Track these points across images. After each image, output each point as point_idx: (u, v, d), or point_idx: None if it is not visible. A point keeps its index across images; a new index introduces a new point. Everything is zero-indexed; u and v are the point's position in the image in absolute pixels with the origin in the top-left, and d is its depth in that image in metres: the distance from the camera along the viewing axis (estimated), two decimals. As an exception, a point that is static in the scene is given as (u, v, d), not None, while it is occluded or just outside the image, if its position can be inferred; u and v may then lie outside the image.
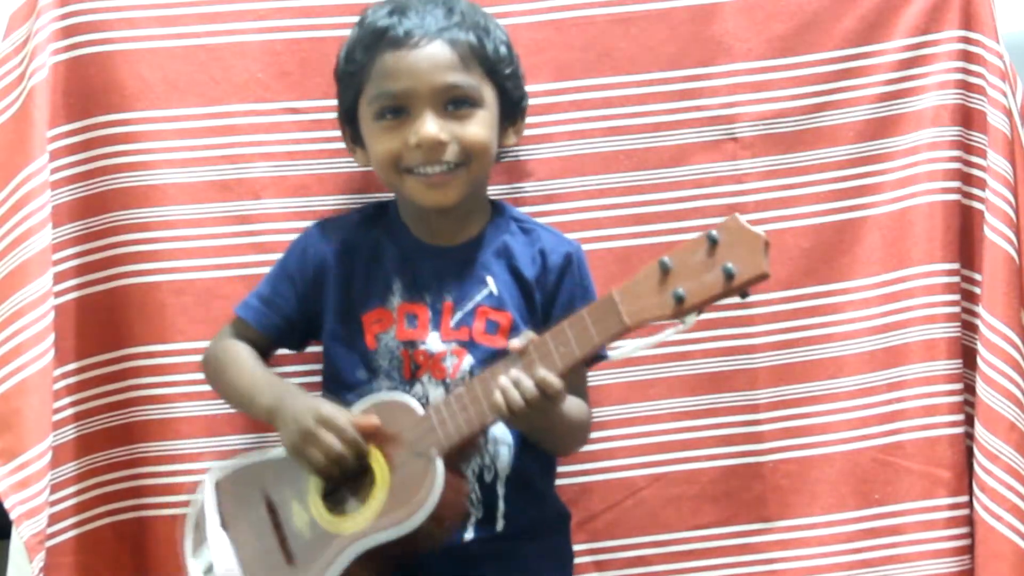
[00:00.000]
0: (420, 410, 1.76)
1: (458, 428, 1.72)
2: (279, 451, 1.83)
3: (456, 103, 1.84)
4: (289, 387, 1.88)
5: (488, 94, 1.87)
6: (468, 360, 1.85)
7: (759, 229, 1.59)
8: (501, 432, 1.85)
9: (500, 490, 1.85)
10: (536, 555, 1.88)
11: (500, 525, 1.85)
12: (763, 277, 1.59)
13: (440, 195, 1.85)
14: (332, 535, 1.75)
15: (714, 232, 1.60)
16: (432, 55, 1.83)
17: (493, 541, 1.84)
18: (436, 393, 1.85)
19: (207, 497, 1.86)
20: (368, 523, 1.73)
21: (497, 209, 1.95)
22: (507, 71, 1.89)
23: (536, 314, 1.87)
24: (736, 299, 1.63)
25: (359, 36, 1.89)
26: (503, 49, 1.89)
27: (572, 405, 1.83)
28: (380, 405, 1.79)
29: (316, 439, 1.76)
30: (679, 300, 1.61)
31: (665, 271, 1.62)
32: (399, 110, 1.84)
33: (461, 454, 1.76)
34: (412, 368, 1.86)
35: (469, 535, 1.84)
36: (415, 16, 1.84)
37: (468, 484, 1.80)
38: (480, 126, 1.85)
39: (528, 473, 1.87)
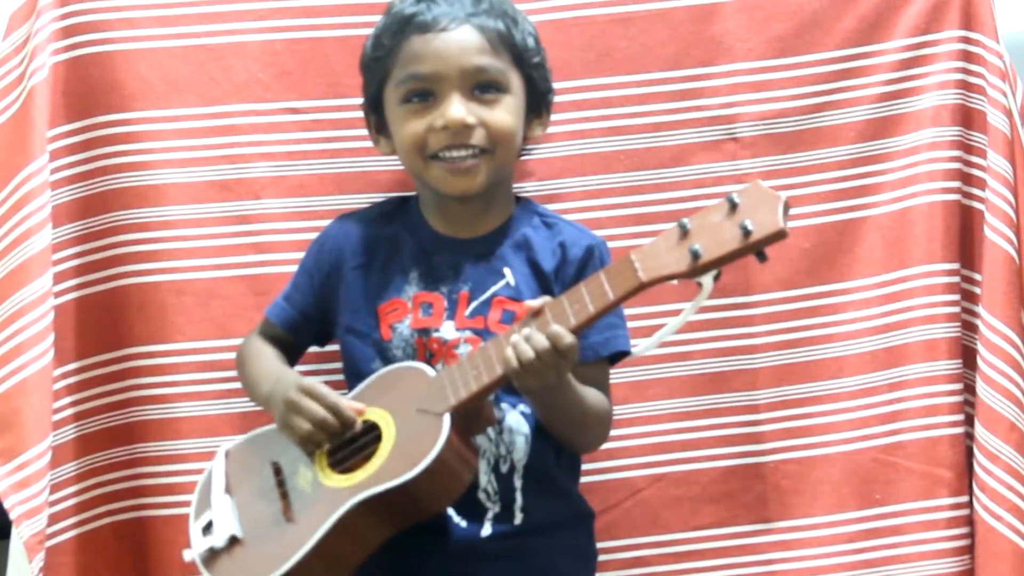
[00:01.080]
0: (432, 373, 1.77)
1: (467, 385, 1.72)
2: None
3: (483, 87, 1.84)
4: (287, 373, 1.89)
5: (515, 81, 1.86)
6: (486, 345, 1.81)
7: (779, 192, 1.58)
8: (516, 422, 1.84)
9: (517, 482, 1.84)
10: (556, 551, 1.87)
11: (518, 519, 1.84)
12: (780, 235, 1.57)
13: (465, 182, 1.84)
14: (333, 490, 1.75)
15: (734, 195, 1.59)
16: (460, 38, 1.83)
17: (511, 537, 1.83)
18: None
19: (215, 464, 1.88)
20: (369, 476, 1.74)
21: (521, 204, 1.95)
22: (534, 60, 1.89)
23: None
24: (754, 259, 1.61)
25: (386, 24, 1.88)
26: (531, 40, 1.89)
27: (589, 393, 1.82)
28: (393, 371, 1.81)
29: (298, 406, 1.79)
30: (695, 256, 1.59)
31: (684, 231, 1.61)
32: (426, 93, 1.84)
33: (470, 417, 1.75)
34: (426, 356, 1.85)
35: (487, 531, 1.83)
36: (443, 3, 1.84)
37: (476, 457, 1.79)
38: (507, 112, 1.84)
39: (545, 465, 1.86)
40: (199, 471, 1.97)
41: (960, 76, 2.07)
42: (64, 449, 1.99)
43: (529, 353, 1.67)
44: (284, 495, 1.80)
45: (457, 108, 1.81)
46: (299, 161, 2.06)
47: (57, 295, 1.96)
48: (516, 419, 1.84)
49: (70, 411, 2.00)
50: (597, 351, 1.86)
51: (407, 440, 1.74)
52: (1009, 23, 2.14)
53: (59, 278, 1.97)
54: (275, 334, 1.96)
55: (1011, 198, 2.02)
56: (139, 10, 2.03)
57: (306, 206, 2.05)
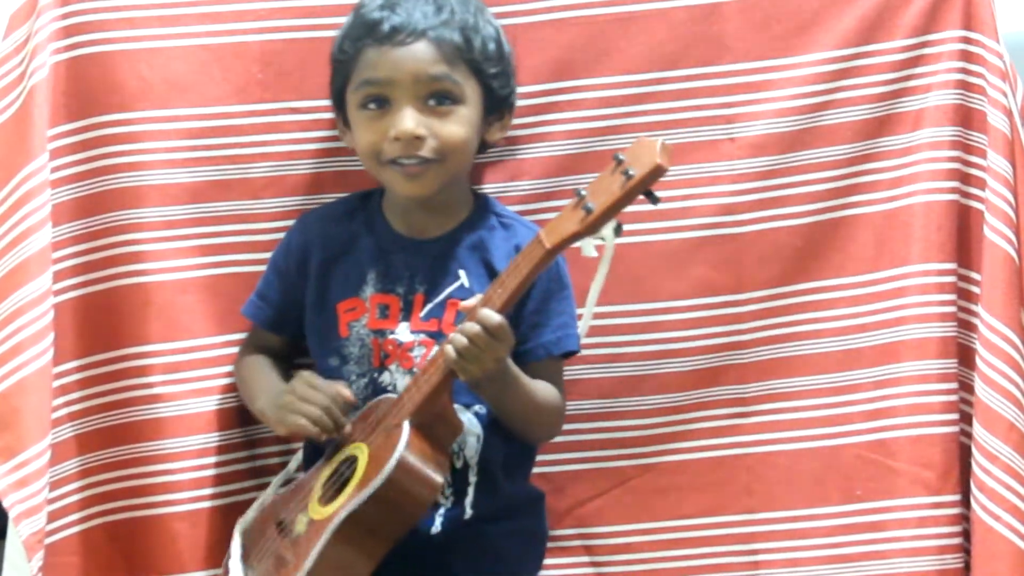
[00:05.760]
0: (395, 396, 1.85)
1: (420, 390, 1.79)
2: (288, 486, 1.93)
3: (437, 98, 1.88)
4: (277, 386, 1.94)
5: (471, 91, 1.90)
6: (436, 351, 1.88)
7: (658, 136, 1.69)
8: (468, 422, 1.88)
9: (472, 478, 1.89)
10: (504, 535, 1.92)
11: (468, 513, 1.89)
12: (659, 170, 1.67)
13: (416, 186, 1.89)
14: (319, 522, 1.79)
15: (619, 154, 1.70)
16: (415, 52, 1.87)
17: (461, 528, 1.87)
18: (403, 382, 1.90)
19: (233, 543, 1.92)
20: (347, 498, 1.78)
21: (479, 203, 1.98)
22: (493, 70, 1.92)
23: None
24: (648, 205, 1.72)
25: (350, 26, 1.93)
26: (491, 46, 1.92)
27: (540, 387, 1.90)
28: (365, 409, 1.88)
29: (293, 402, 1.85)
30: (588, 211, 1.70)
31: (580, 197, 1.72)
32: (382, 100, 1.89)
33: (435, 423, 1.80)
34: (381, 356, 1.92)
35: (436, 528, 1.87)
36: (403, 13, 1.88)
37: (447, 458, 1.82)
38: (459, 124, 1.88)
39: (497, 462, 1.91)
40: (198, 467, 2.02)
41: (960, 76, 2.06)
42: (63, 448, 1.99)
43: (463, 340, 1.74)
44: (284, 546, 1.84)
45: (408, 121, 1.86)
46: (299, 161, 2.07)
47: (57, 294, 1.96)
48: (468, 419, 1.89)
49: (69, 410, 2.01)
50: (549, 350, 1.93)
51: (376, 456, 1.79)
52: (1009, 23, 2.13)
53: (59, 277, 1.97)
54: (258, 333, 2.02)
55: (1011, 198, 2.01)
56: (139, 10, 2.03)
57: (305, 205, 2.06)
